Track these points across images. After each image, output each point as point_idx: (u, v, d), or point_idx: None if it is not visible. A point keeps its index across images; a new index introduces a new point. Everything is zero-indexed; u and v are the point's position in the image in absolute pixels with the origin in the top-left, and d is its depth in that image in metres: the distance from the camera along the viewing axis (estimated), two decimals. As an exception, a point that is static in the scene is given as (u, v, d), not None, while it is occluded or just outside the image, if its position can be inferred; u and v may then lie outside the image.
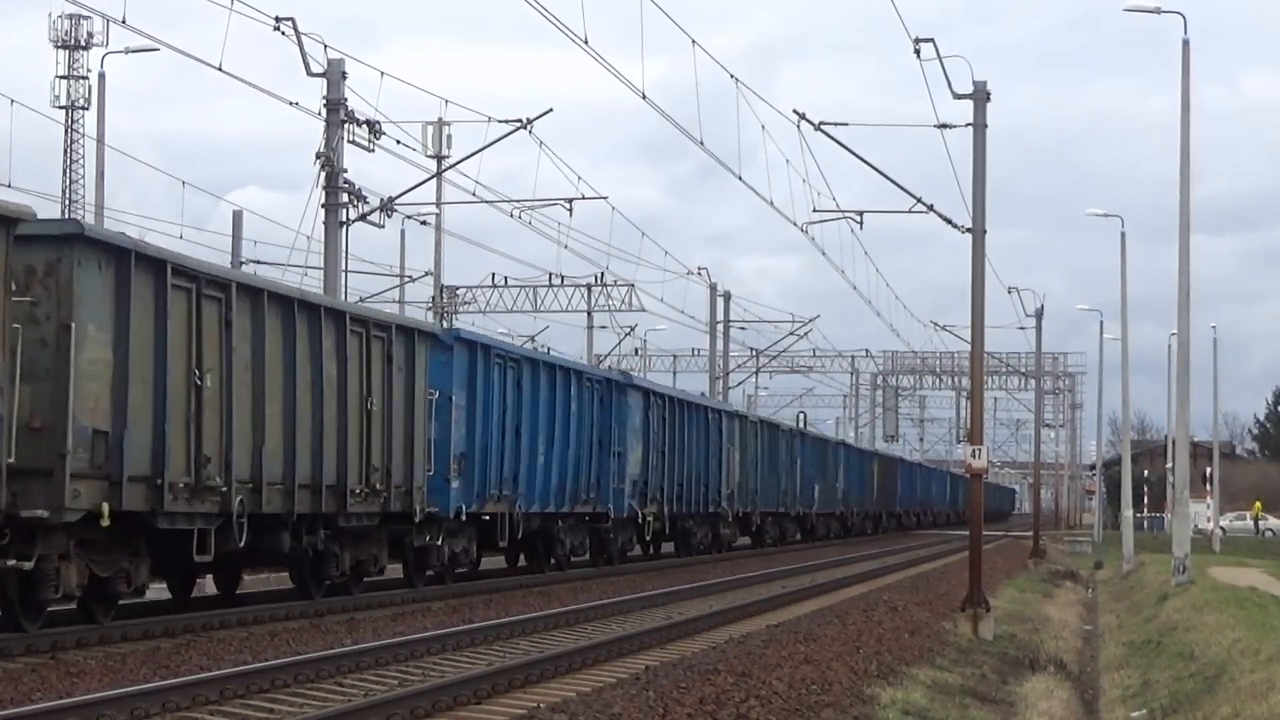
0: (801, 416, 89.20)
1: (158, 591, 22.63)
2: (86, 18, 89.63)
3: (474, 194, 39.46)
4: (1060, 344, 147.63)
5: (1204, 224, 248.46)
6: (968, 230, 27.43)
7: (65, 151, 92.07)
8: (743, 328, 71.08)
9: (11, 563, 16.78)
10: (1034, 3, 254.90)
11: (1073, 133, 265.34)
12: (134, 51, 41.73)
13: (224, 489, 19.94)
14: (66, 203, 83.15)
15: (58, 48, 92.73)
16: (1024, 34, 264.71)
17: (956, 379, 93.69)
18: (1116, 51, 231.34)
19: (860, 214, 33.07)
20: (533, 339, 58.96)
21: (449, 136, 44.42)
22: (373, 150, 32.84)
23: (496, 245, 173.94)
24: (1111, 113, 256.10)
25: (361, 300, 39.64)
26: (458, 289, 56.16)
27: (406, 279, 50.53)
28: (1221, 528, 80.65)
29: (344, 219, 32.45)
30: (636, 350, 78.82)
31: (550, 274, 56.29)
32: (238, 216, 43.88)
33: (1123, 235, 74.52)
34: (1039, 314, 62.43)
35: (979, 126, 27.02)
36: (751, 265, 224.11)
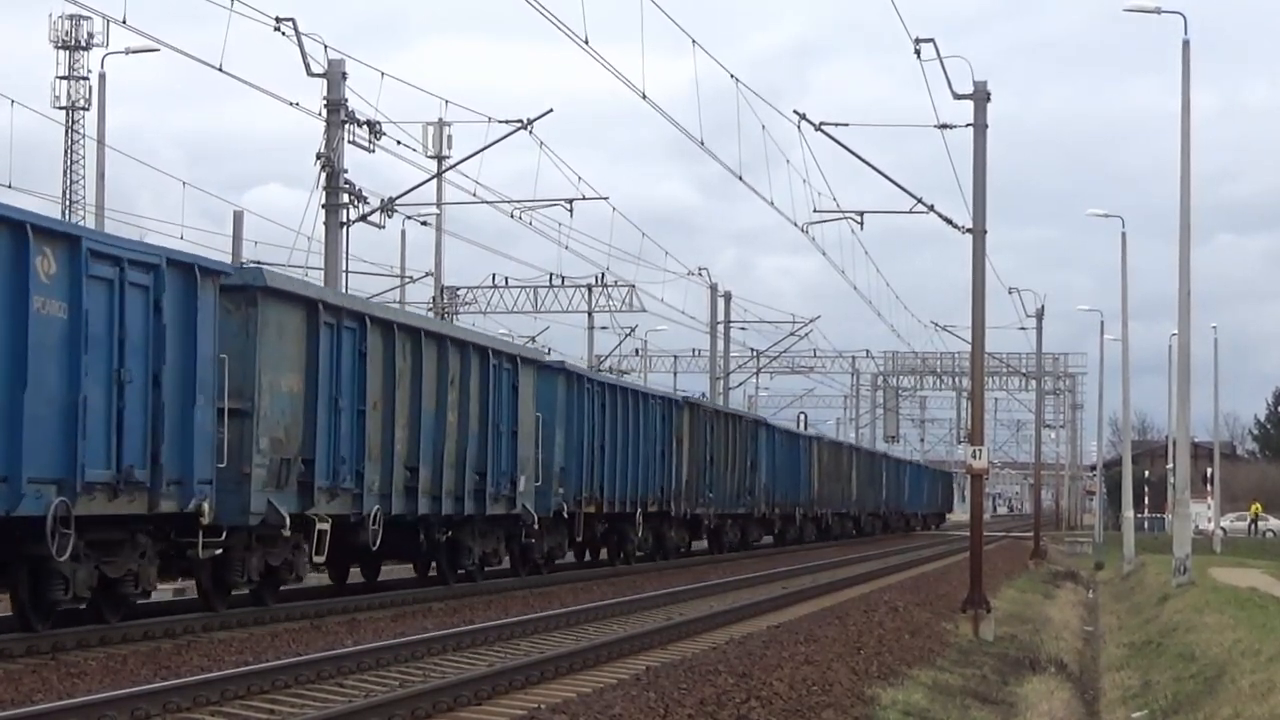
0: (802, 417, 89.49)
1: (159, 593, 22.60)
2: (86, 18, 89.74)
3: (474, 194, 39.52)
4: (1074, 344, 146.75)
5: (1234, 223, 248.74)
6: (968, 230, 27.49)
7: (66, 152, 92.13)
8: (743, 328, 71.19)
9: None
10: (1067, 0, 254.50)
11: (1101, 130, 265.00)
12: (134, 52, 41.80)
13: None
14: (67, 203, 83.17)
15: (58, 48, 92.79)
16: (1056, 32, 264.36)
17: (957, 379, 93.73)
18: (1148, 49, 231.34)
19: (860, 214, 33.17)
20: (533, 339, 59.05)
21: (449, 137, 44.55)
22: (373, 151, 32.89)
23: (499, 246, 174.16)
24: (1141, 110, 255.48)
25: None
26: (458, 289, 56.23)
27: (407, 279, 50.58)
28: (1222, 528, 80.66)
29: (344, 219, 32.47)
30: (637, 351, 78.91)
31: (551, 275, 56.42)
32: (238, 217, 43.94)
33: (1123, 235, 75.57)
34: (1039, 314, 62.53)
35: (979, 127, 27.05)
36: (774, 264, 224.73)
